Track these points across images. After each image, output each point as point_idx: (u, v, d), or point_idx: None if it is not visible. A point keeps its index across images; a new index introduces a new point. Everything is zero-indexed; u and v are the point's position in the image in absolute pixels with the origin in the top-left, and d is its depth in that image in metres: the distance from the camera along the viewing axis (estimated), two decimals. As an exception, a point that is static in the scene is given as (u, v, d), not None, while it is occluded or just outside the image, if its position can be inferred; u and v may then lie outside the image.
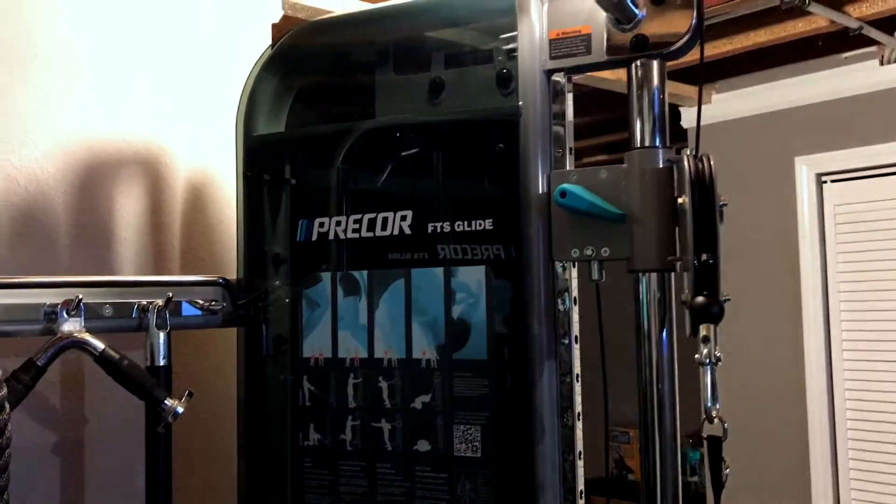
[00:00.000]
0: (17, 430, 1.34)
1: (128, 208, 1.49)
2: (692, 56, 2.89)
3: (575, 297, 1.17)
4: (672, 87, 2.97)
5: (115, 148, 1.49)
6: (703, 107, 3.07)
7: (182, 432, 1.37)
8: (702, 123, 3.26)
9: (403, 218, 1.22)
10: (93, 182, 1.46)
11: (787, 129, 2.94)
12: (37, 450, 1.38)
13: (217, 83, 1.58)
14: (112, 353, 1.17)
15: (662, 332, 1.10)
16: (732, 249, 2.93)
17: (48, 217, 1.41)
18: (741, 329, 2.91)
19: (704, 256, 0.98)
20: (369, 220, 1.25)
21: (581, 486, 1.15)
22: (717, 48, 2.53)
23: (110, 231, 1.47)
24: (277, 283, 1.38)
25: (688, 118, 3.15)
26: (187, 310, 1.32)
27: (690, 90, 3.03)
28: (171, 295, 1.25)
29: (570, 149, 1.18)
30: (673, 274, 1.09)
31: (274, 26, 1.72)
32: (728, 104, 3.02)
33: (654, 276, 1.10)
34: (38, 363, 1.11)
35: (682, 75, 2.93)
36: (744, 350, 2.93)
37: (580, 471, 1.14)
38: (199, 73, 1.58)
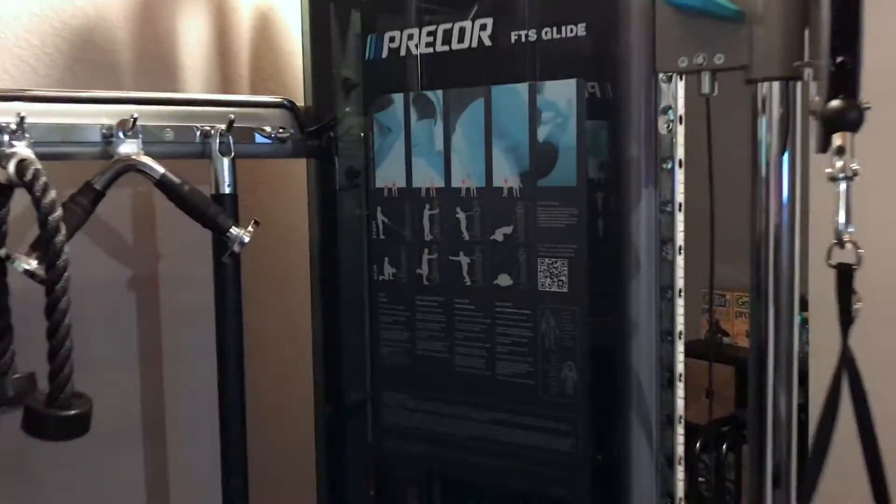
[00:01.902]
0: (94, 264, 1.32)
1: (191, 34, 1.39)
2: None
3: (680, 116, 1.02)
4: None
5: (175, -33, 1.37)
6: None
7: (253, 269, 1.32)
8: None
9: (483, 27, 1.08)
10: (154, 6, 1.36)
11: None
12: (113, 284, 1.36)
13: None
14: (172, 177, 1.09)
15: (783, 154, 0.95)
16: None
17: (109, 42, 1.32)
18: None
19: (840, 59, 0.81)
20: (444, 31, 1.11)
21: (681, 326, 1.04)
22: None
23: (173, 57, 1.38)
24: (348, 109, 1.27)
25: None
26: (254, 137, 1.23)
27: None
28: (232, 118, 1.16)
29: (681, -61, 1.00)
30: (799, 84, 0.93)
31: None
32: None
33: (775, 87, 0.94)
34: (96, 186, 1.04)
35: None
36: None
37: (679, 309, 1.03)
38: None
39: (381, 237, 1.19)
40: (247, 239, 1.13)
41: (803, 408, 1.02)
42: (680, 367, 1.05)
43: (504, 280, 1.08)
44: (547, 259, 1.05)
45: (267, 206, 1.44)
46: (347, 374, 1.30)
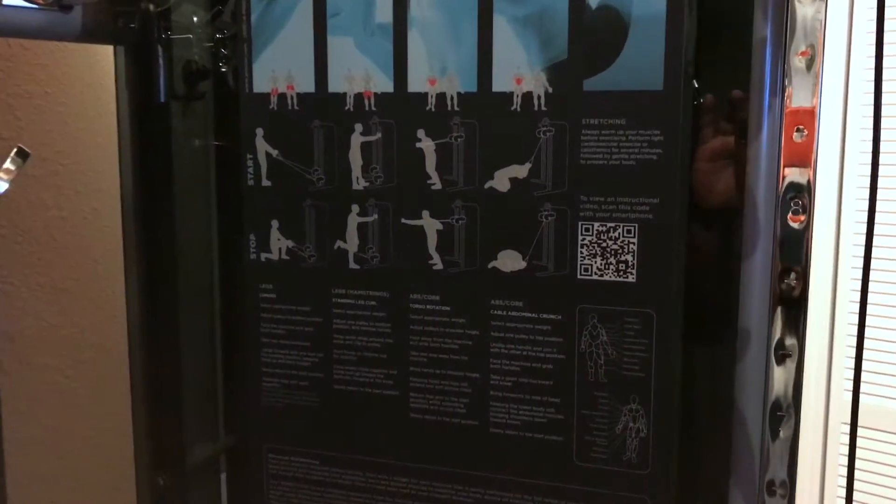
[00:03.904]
0: None
1: None
2: None
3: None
4: None
5: None
6: None
7: (16, 242, 0.75)
8: None
9: None
10: None
11: None
12: None
13: None
14: None
15: None
16: None
17: None
18: None
19: None
20: None
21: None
22: None
23: None
24: (190, -43, 0.72)
25: None
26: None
27: None
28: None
29: None
30: None
31: None
32: None
33: None
34: None
35: None
36: None
37: (811, 309, 0.61)
38: None
39: (265, 184, 0.66)
40: (3, 185, 0.56)
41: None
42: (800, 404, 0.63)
43: (509, 261, 0.61)
44: (596, 224, 0.58)
45: (43, 126, 0.85)
46: (195, 421, 0.76)
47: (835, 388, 1.45)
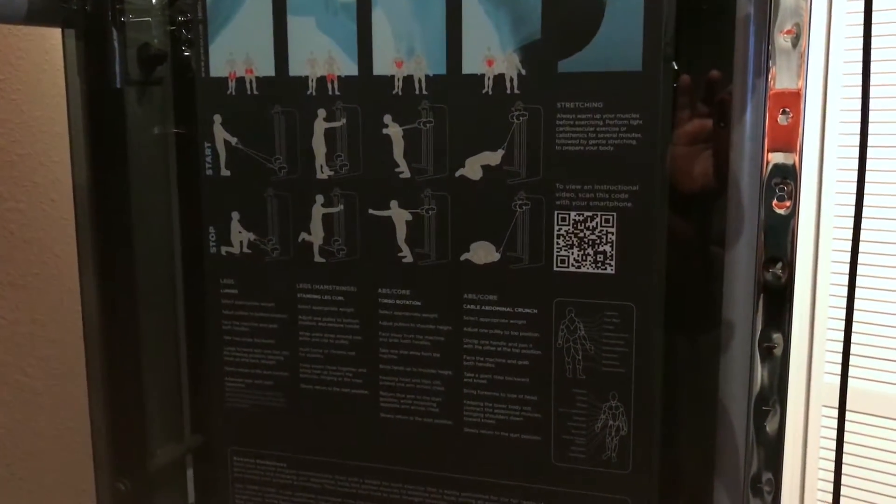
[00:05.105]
0: None
1: None
2: None
3: (812, -53, 0.56)
4: None
5: None
6: None
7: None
8: None
9: None
10: None
11: None
12: None
13: None
14: None
15: None
16: None
17: None
18: None
19: None
20: None
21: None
22: None
23: None
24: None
25: None
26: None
27: None
28: None
29: None
30: None
31: None
32: None
33: None
34: None
35: None
36: None
37: (796, 298, 0.58)
38: None
39: (224, 174, 0.63)
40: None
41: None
42: (787, 395, 0.61)
43: (482, 252, 0.58)
44: (573, 213, 0.56)
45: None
46: (157, 423, 0.73)
47: (815, 374, 1.44)
